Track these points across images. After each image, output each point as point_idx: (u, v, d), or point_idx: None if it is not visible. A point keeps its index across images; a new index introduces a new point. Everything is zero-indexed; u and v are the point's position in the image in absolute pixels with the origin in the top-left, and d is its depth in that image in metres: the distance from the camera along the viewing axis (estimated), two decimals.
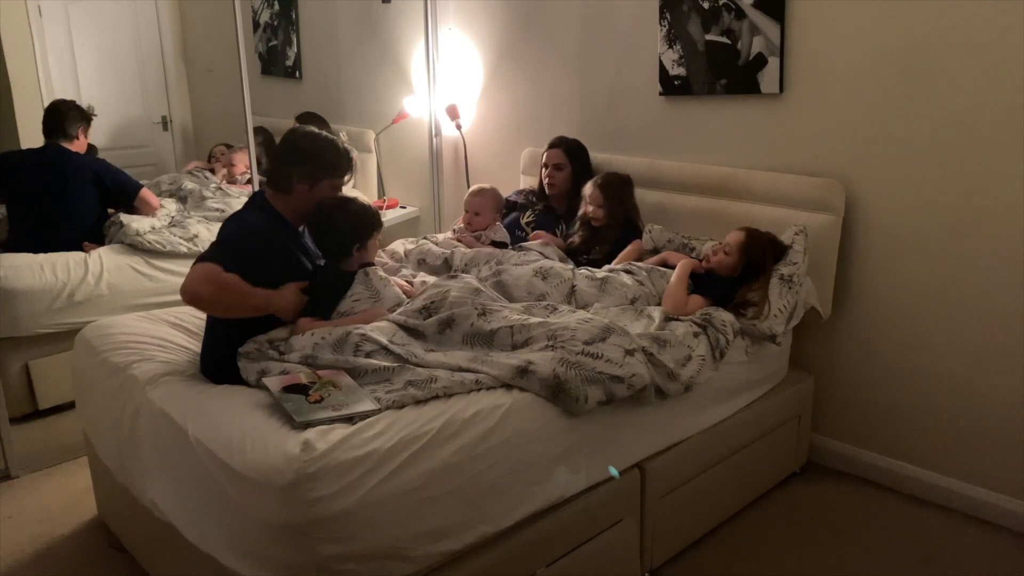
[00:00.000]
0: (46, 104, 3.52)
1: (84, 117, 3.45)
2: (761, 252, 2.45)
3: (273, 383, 1.78)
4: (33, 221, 3.32)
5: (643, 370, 1.96)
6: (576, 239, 2.91)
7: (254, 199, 2.24)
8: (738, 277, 2.45)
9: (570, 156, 3.07)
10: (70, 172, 3.35)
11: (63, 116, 3.37)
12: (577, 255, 2.87)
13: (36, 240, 3.25)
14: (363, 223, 2.25)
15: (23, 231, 3.32)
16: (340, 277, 2.20)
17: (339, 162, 2.22)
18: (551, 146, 3.10)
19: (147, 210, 3.53)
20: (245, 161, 3.75)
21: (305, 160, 2.16)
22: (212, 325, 2.12)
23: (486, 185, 3.13)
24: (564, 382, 1.82)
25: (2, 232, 3.38)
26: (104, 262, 3.24)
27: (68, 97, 3.54)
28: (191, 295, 1.93)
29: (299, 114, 3.95)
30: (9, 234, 3.35)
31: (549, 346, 1.95)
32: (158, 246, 3.37)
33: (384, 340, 1.96)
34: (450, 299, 2.14)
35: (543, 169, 3.10)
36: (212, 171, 4.05)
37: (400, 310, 2.15)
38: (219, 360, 2.03)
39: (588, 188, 2.88)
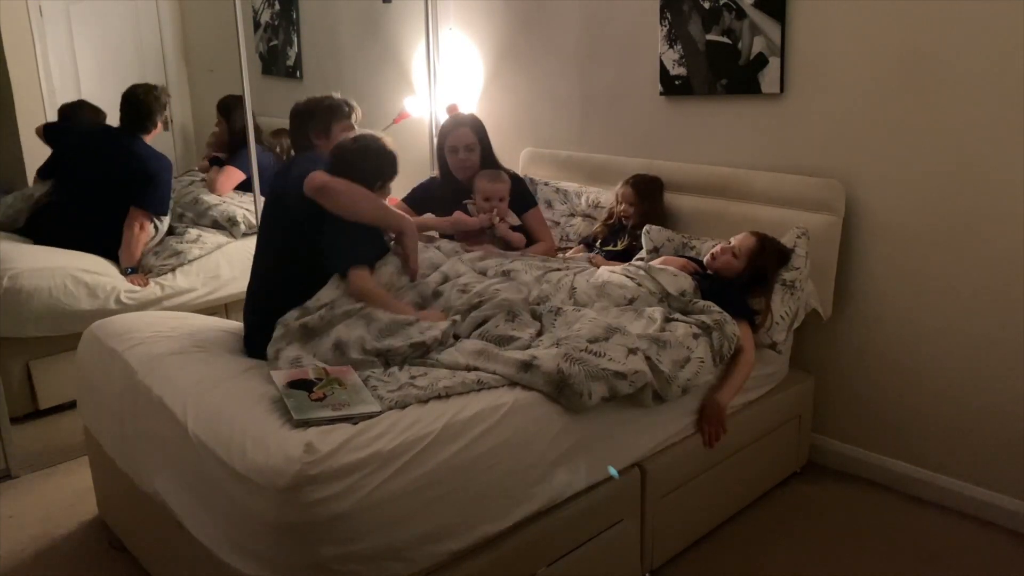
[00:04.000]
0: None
1: (163, 105, 3.33)
2: (768, 260, 2.45)
3: (279, 377, 1.78)
4: (81, 212, 3.22)
5: (645, 367, 1.96)
6: (601, 232, 2.96)
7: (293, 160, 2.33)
8: (744, 284, 2.45)
9: (478, 136, 2.87)
10: (145, 175, 3.23)
11: (142, 106, 3.25)
12: (600, 244, 2.91)
13: (72, 233, 3.17)
14: (388, 161, 2.26)
15: (63, 220, 3.21)
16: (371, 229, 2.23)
17: (339, 105, 2.31)
18: (458, 126, 2.87)
19: (127, 231, 3.25)
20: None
21: (312, 115, 2.28)
22: (256, 297, 2.18)
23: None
24: (568, 377, 1.82)
25: (20, 219, 3.30)
26: (115, 274, 3.22)
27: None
28: (317, 188, 2.03)
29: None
30: (39, 217, 3.25)
31: (553, 344, 1.95)
32: (172, 261, 3.29)
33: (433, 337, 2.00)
34: (496, 301, 2.12)
35: (452, 153, 2.86)
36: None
37: (456, 306, 2.14)
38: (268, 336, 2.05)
39: (619, 187, 2.92)
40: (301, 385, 1.74)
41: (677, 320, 2.24)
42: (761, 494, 2.58)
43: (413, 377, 1.83)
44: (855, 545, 2.35)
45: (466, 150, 2.84)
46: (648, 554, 2.16)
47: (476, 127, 2.88)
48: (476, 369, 1.88)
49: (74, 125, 3.31)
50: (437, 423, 1.66)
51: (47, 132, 3.30)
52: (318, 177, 2.07)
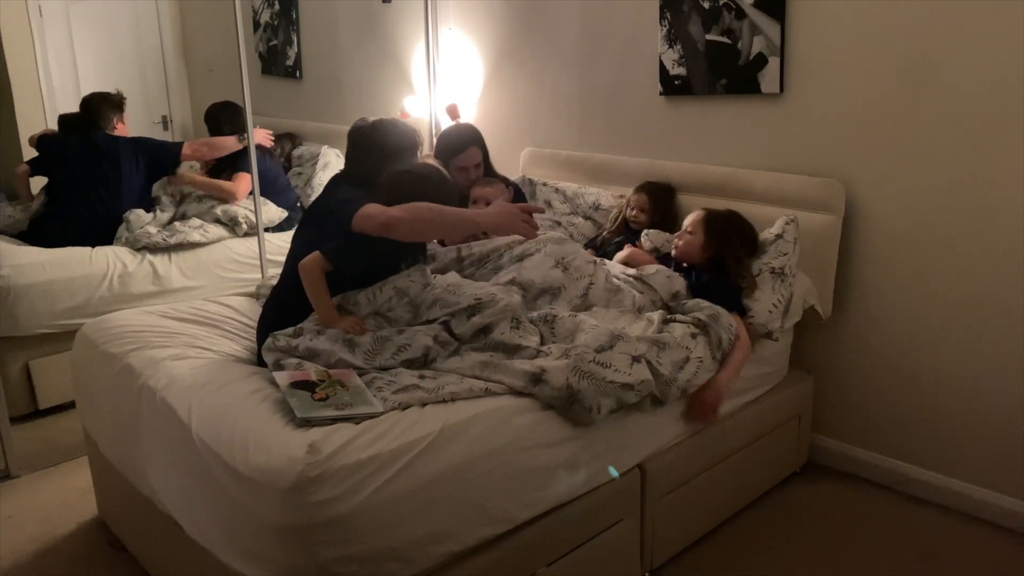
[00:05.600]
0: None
1: (116, 106, 3.51)
2: (722, 225, 2.47)
3: (282, 378, 1.78)
4: (80, 209, 3.34)
5: (649, 375, 1.96)
6: (607, 234, 2.95)
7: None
8: (718, 265, 2.45)
9: (483, 150, 2.92)
10: (120, 153, 3.41)
11: (96, 108, 3.45)
12: (604, 245, 2.88)
13: (80, 230, 3.28)
14: (449, 194, 2.11)
15: (66, 219, 3.33)
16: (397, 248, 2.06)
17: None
18: (467, 144, 2.87)
19: (182, 176, 3.58)
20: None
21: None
22: (268, 310, 2.16)
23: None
24: (577, 393, 1.81)
25: (20, 226, 3.38)
26: (112, 262, 3.24)
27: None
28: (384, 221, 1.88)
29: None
30: (41, 222, 3.35)
31: (562, 355, 1.92)
32: (173, 240, 3.36)
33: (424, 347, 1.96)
34: (499, 307, 2.05)
35: (461, 172, 2.84)
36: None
37: (448, 310, 2.07)
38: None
39: (632, 193, 2.92)
40: (304, 386, 1.74)
41: (676, 321, 2.24)
42: (761, 494, 2.58)
43: (421, 378, 1.83)
44: (855, 545, 2.35)
45: (475, 168, 2.86)
46: (648, 554, 2.16)
47: (480, 142, 2.89)
48: (482, 378, 1.87)
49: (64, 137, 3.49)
50: (437, 425, 1.66)
51: (40, 144, 3.47)
52: (376, 214, 1.89)
